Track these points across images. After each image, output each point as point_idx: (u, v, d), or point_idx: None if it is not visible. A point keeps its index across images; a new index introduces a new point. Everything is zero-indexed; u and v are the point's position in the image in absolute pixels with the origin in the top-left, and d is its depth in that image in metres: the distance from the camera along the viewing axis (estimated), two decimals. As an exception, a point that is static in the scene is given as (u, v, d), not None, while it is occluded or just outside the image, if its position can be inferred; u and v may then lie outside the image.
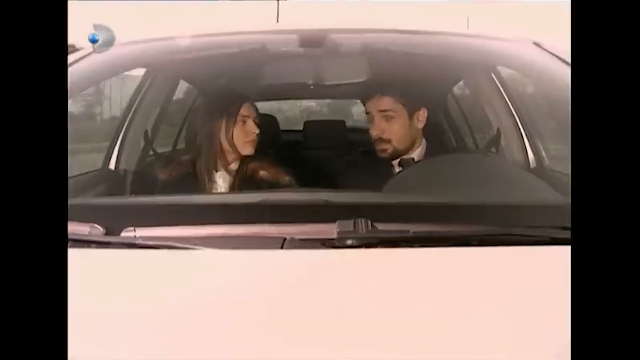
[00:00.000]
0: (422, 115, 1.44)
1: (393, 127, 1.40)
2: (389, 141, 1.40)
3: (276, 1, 14.39)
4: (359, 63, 1.94)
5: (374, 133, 1.41)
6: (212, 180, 1.40)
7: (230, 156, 1.41)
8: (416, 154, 1.44)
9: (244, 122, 1.40)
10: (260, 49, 1.48)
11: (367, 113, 1.45)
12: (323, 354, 0.55)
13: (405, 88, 1.42)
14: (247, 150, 1.40)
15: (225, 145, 1.40)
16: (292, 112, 4.35)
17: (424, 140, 1.47)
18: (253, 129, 1.40)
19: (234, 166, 1.41)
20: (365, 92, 1.46)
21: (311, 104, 4.57)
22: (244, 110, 1.40)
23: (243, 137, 1.40)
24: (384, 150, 1.42)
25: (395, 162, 1.45)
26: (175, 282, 0.69)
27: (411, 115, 1.42)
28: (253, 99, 1.47)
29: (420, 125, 1.44)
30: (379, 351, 0.55)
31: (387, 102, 1.41)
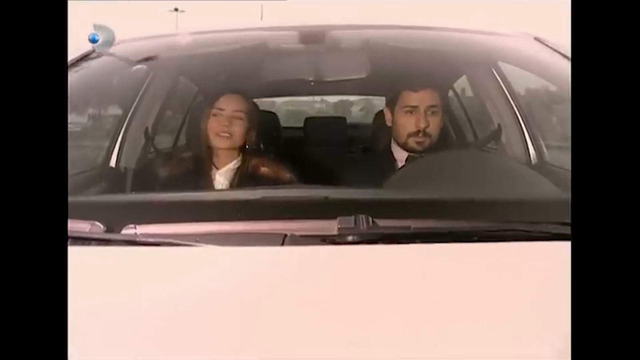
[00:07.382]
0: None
1: (436, 122, 1.43)
2: (430, 135, 1.42)
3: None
4: (359, 59, 1.93)
5: (421, 125, 1.40)
6: (213, 177, 1.40)
7: (218, 151, 1.41)
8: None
9: (218, 114, 1.39)
10: (260, 45, 1.47)
11: (406, 106, 1.42)
12: (323, 351, 0.55)
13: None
14: (219, 143, 1.39)
15: (206, 138, 1.40)
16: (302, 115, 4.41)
17: None
18: (224, 123, 1.38)
19: (235, 163, 1.41)
20: (409, 83, 1.44)
21: (322, 106, 4.61)
22: (222, 102, 1.39)
23: (214, 129, 1.39)
24: (421, 143, 1.41)
25: (401, 158, 1.45)
26: (176, 279, 0.69)
27: (442, 113, 1.46)
28: (249, 95, 1.47)
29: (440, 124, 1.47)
30: (379, 347, 0.55)
31: (435, 98, 1.43)
